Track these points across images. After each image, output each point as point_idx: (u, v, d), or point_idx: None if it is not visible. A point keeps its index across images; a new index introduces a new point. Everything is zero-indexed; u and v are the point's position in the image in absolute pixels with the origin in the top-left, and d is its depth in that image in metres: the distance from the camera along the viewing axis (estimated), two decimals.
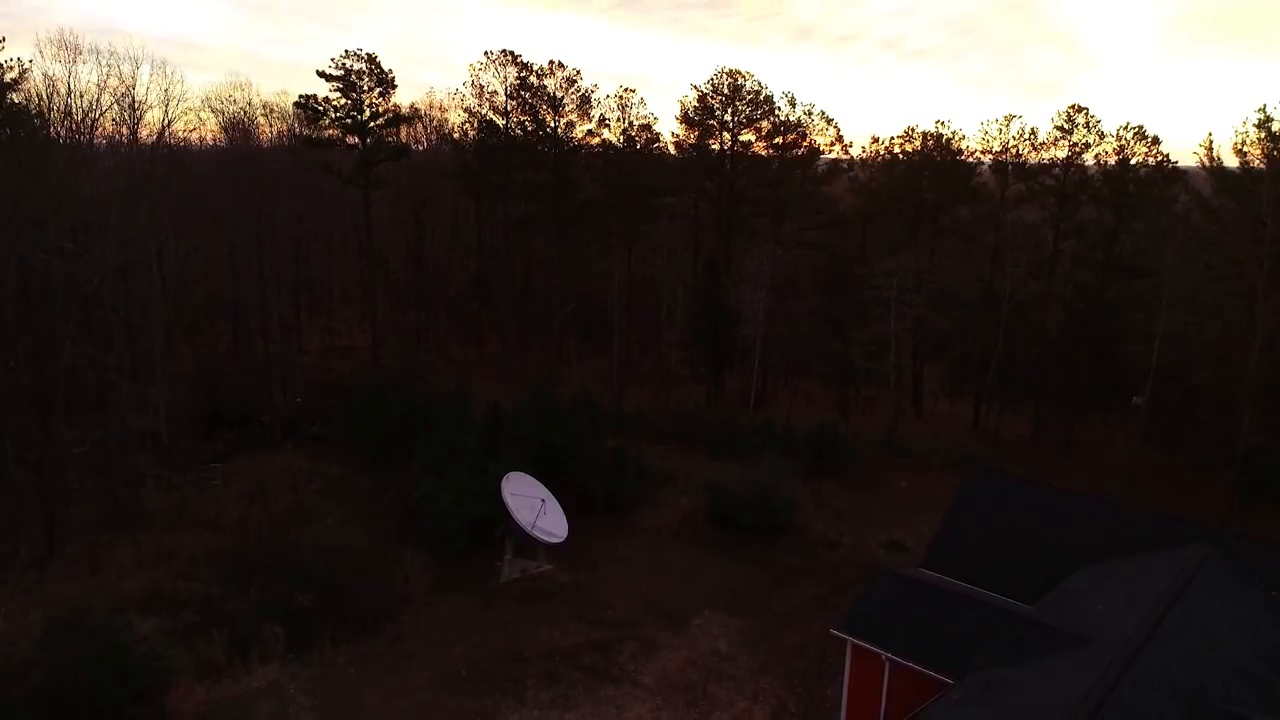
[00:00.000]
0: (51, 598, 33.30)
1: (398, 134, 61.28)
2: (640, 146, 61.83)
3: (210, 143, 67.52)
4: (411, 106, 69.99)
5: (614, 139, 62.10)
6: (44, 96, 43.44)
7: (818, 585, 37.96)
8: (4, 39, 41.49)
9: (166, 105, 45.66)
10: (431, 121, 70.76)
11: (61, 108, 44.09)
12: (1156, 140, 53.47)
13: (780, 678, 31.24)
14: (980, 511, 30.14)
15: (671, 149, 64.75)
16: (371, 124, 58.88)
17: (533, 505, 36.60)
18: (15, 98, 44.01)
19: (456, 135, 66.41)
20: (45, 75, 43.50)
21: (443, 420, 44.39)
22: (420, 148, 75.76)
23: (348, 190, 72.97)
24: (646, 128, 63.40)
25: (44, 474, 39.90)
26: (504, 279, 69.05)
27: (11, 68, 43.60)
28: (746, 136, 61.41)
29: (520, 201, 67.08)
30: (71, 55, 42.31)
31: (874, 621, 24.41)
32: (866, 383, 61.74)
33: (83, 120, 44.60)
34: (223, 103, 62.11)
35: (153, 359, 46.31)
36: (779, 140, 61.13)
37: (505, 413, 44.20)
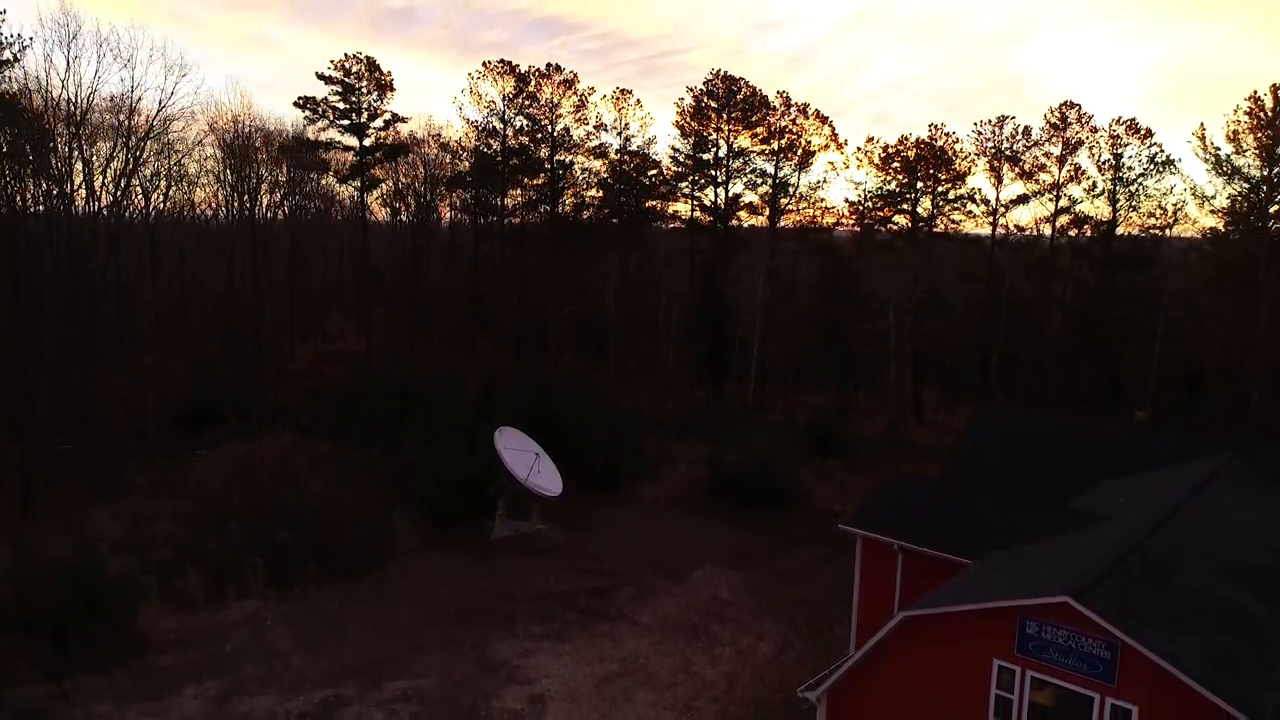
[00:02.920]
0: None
1: (397, 134, 61.39)
2: (638, 149, 62.16)
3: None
4: (411, 135, 70.35)
5: (612, 140, 62.39)
6: (43, 75, 43.46)
7: (821, 548, 36.47)
8: (4, 11, 41.38)
9: (163, 86, 45.49)
10: (429, 138, 70.87)
11: (60, 86, 44.16)
12: (1149, 132, 53.90)
13: (784, 621, 29.78)
14: (992, 440, 29.05)
15: (668, 161, 64.97)
16: (370, 124, 59.17)
17: (527, 460, 35.43)
18: (13, 75, 43.89)
19: (454, 146, 66.70)
20: (45, 56, 43.57)
21: (435, 397, 43.43)
22: (420, 172, 75.89)
23: (345, 203, 73.23)
24: (644, 155, 63.82)
25: (24, 438, 38.76)
26: (500, 292, 68.61)
27: (11, 44, 43.61)
28: (742, 141, 61.82)
29: (517, 211, 67.04)
30: (72, 30, 42.52)
31: (884, 515, 23.25)
32: (866, 382, 60.89)
33: (79, 100, 44.58)
34: (221, 118, 61.85)
35: (141, 331, 45.47)
36: (775, 145, 61.50)
37: (499, 385, 43.22)
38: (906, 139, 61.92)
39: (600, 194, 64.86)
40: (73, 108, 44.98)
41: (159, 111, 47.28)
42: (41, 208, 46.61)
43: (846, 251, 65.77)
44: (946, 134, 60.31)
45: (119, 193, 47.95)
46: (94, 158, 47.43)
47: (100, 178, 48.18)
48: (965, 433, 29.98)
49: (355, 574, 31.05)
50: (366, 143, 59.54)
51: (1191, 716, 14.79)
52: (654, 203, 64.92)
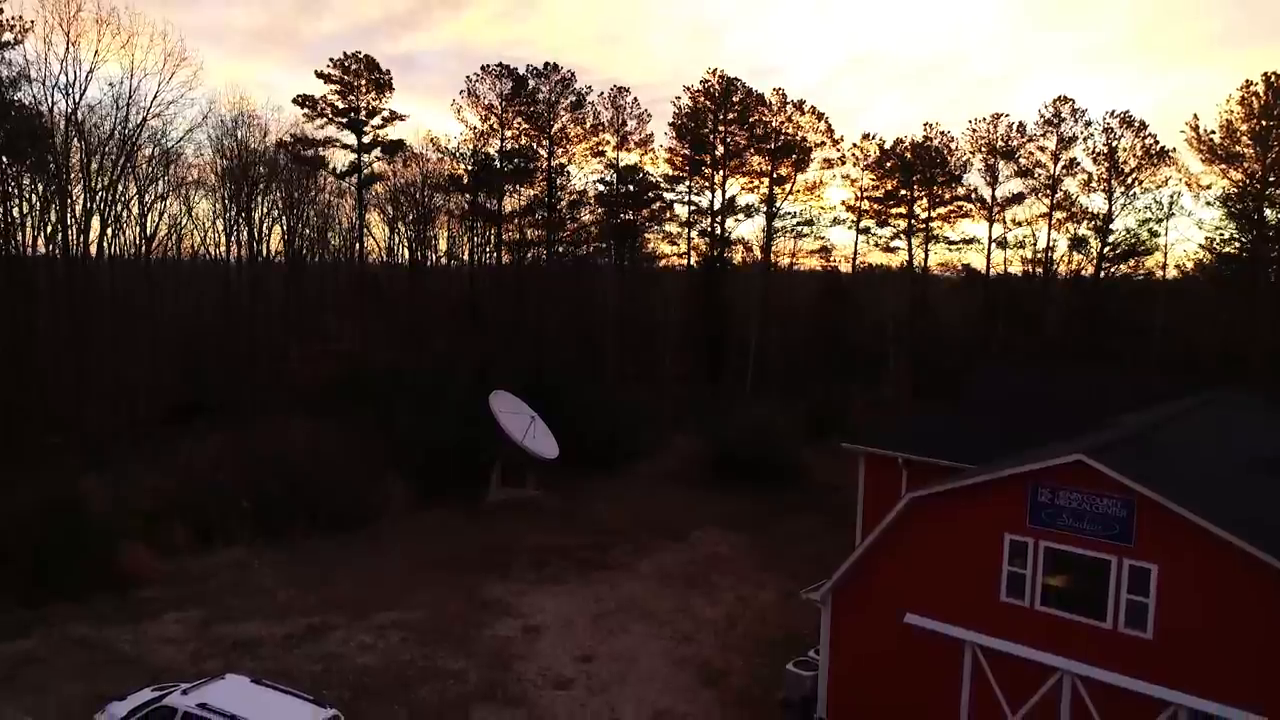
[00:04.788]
0: None
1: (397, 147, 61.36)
2: (635, 145, 62.17)
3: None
4: (410, 151, 70.43)
5: (609, 139, 62.25)
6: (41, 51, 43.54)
7: (823, 517, 35.69)
8: None
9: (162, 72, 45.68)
10: (428, 143, 70.99)
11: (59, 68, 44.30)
12: (1143, 125, 54.17)
13: (786, 574, 28.91)
14: (994, 391, 28.40)
15: (664, 165, 64.92)
16: (368, 121, 59.39)
17: (522, 423, 34.86)
18: (13, 56, 43.99)
19: (451, 148, 66.68)
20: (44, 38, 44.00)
21: (430, 376, 43.03)
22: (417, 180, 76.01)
23: (343, 223, 73.16)
24: (636, 168, 63.90)
25: (12, 430, 38.17)
26: (497, 297, 68.31)
27: (12, 25, 43.83)
28: (739, 140, 61.84)
29: (514, 218, 66.85)
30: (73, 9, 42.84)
31: (888, 435, 22.74)
32: (866, 381, 60.40)
33: (79, 80, 44.66)
34: (223, 134, 60.90)
35: (134, 327, 45.10)
36: (771, 146, 61.65)
37: (495, 364, 42.77)
38: (902, 140, 62.21)
39: (598, 190, 64.60)
40: (71, 92, 45.03)
41: (156, 96, 47.28)
42: (38, 203, 46.42)
43: (844, 252, 65.74)
44: (942, 133, 60.65)
45: (115, 176, 47.68)
46: (92, 139, 47.26)
47: (96, 174, 48.01)
48: (968, 391, 29.36)
49: (345, 528, 30.27)
50: (365, 140, 59.68)
51: (1214, 570, 14.20)
52: (653, 202, 64.73)
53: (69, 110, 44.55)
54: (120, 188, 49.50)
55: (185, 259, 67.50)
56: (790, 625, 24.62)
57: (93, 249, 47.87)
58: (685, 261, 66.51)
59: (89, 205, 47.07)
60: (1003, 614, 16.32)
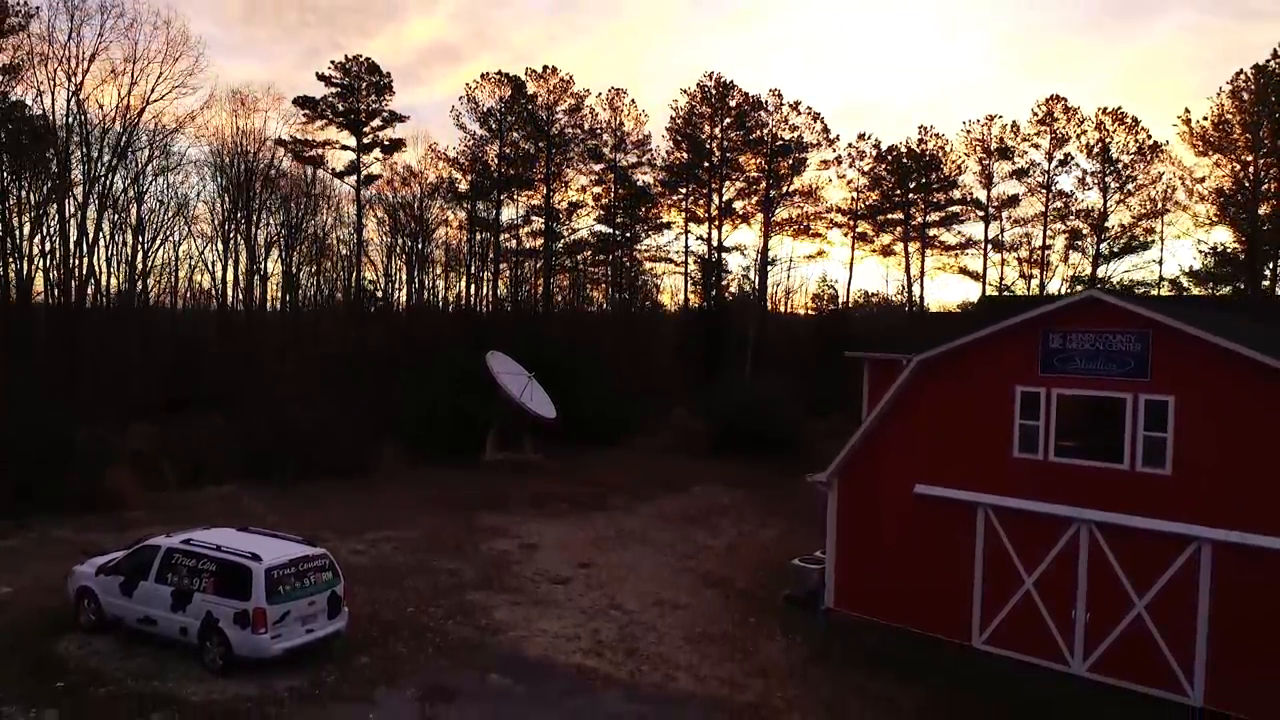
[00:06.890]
0: None
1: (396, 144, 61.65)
2: (633, 146, 62.40)
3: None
4: (407, 167, 70.78)
5: (607, 139, 62.50)
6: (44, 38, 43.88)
7: None
8: None
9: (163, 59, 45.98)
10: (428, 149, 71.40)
11: (60, 53, 44.58)
12: (1136, 121, 54.62)
13: (787, 516, 28.40)
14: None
15: (662, 171, 65.11)
16: (368, 122, 59.74)
17: (519, 383, 34.37)
18: (15, 42, 44.36)
19: (450, 155, 67.05)
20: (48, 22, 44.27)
21: (426, 351, 42.71)
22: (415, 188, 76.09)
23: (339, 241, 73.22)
24: (628, 179, 64.06)
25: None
26: (495, 307, 68.19)
27: (17, 11, 44.29)
28: (735, 141, 62.19)
29: (513, 227, 66.97)
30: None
31: (892, 344, 22.34)
32: None
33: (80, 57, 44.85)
34: (224, 149, 60.96)
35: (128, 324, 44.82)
36: (768, 150, 61.99)
37: (491, 337, 42.36)
38: (896, 147, 62.59)
39: (598, 192, 64.64)
40: (73, 79, 45.22)
41: (156, 85, 47.49)
42: (36, 199, 46.34)
43: (840, 258, 65.88)
44: (936, 135, 61.12)
45: (114, 161, 47.60)
46: (92, 129, 47.29)
47: (95, 162, 47.93)
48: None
49: (339, 474, 29.59)
50: (365, 141, 59.97)
51: (1232, 394, 13.79)
52: (650, 207, 64.86)
53: (70, 94, 44.88)
54: (119, 180, 49.54)
55: (183, 266, 67.52)
56: (793, 553, 23.92)
57: (88, 243, 47.80)
58: (683, 268, 66.56)
59: (87, 192, 47.04)
60: (1016, 471, 15.83)
